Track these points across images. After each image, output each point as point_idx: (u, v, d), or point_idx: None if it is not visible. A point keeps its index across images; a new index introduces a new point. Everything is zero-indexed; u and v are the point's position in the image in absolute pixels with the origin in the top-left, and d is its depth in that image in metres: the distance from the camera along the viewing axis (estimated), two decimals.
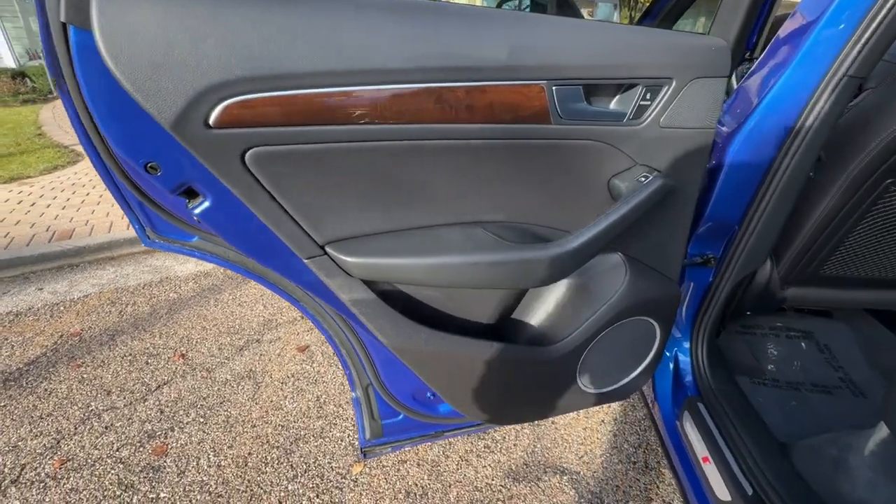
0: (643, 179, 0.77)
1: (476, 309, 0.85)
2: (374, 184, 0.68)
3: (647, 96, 0.73)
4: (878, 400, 1.27)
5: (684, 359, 1.23)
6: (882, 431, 0.95)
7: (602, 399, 1.04)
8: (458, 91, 0.64)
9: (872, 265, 1.16)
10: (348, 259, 0.69)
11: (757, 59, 1.02)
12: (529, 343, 0.90)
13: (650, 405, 1.33)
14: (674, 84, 0.73)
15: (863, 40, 0.79)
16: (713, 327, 1.22)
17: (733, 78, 1.41)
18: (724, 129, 1.05)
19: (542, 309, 0.92)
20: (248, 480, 1.54)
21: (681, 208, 0.89)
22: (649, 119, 0.75)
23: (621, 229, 0.79)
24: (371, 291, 0.73)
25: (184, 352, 2.17)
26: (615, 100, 0.74)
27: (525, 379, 0.91)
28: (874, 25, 0.78)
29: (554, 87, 0.68)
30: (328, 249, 0.70)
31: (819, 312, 1.57)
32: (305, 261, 0.69)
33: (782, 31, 0.93)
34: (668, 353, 1.28)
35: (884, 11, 0.76)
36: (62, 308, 2.52)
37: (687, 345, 1.23)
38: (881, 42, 0.79)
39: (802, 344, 1.47)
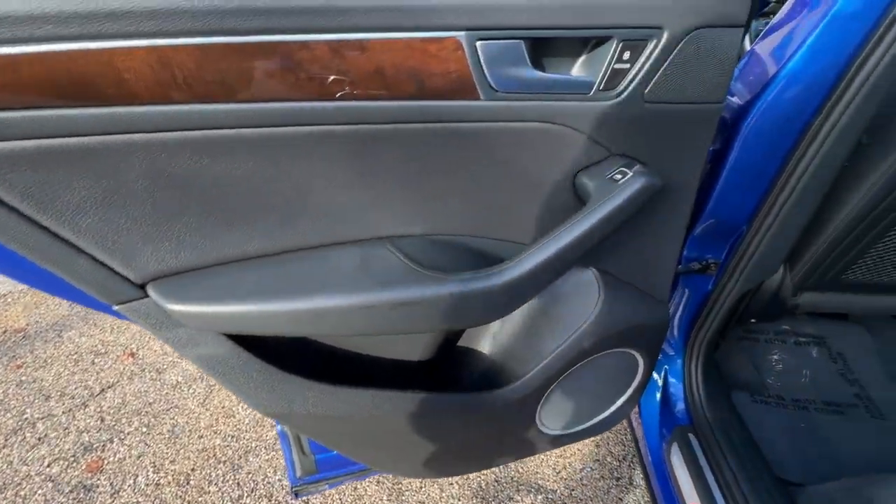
0: (619, 177, 0.56)
1: (394, 348, 0.66)
2: (208, 193, 0.47)
3: (626, 56, 0.50)
4: None
5: (675, 381, 1.04)
6: None
7: (570, 439, 0.86)
8: (317, 48, 0.42)
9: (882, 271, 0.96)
10: (174, 307, 0.48)
11: (780, 6, 0.77)
12: (472, 388, 0.71)
13: (634, 428, 1.15)
14: (665, 37, 0.50)
15: None
16: (711, 343, 1.02)
17: (745, 37, 1.15)
18: (734, 100, 0.82)
19: (488, 343, 0.73)
20: (188, 502, 1.39)
21: (672, 211, 0.67)
22: (628, 90, 0.52)
23: (591, 244, 0.57)
24: (227, 341, 0.53)
25: (134, 350, 2.00)
26: (578, 62, 0.51)
27: (467, 431, 0.72)
28: None
29: (479, 43, 0.45)
30: (150, 290, 0.49)
31: (833, 314, 1.37)
32: (116, 308, 0.49)
33: None
34: (656, 374, 1.09)
35: None
36: (9, 300, 2.34)
37: (679, 364, 1.04)
38: None
39: (813, 352, 1.28)
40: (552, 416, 0.80)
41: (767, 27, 0.82)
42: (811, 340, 1.31)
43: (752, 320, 1.27)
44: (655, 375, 1.09)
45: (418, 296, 0.51)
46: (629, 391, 0.83)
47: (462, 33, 0.44)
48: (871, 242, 0.90)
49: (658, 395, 1.06)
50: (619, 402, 0.84)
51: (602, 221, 0.55)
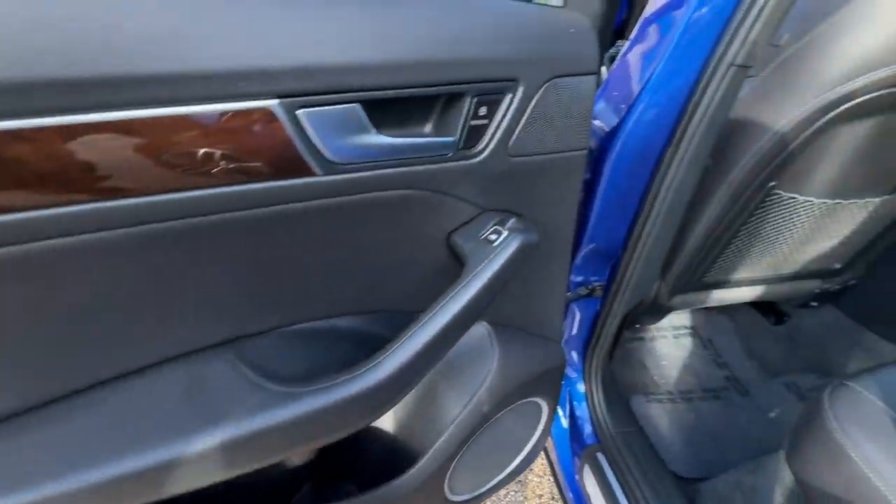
0: (494, 237, 0.50)
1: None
2: None
3: (482, 112, 0.45)
4: (760, 398, 1.23)
5: (579, 403, 1.05)
6: (784, 473, 0.85)
7: (482, 497, 0.80)
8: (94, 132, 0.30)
9: (753, 266, 1.08)
10: None
11: (629, 39, 0.81)
12: (368, 475, 0.61)
13: (548, 454, 1.14)
14: (521, 90, 0.46)
15: (748, 21, 0.60)
16: (607, 358, 1.05)
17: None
18: (598, 125, 0.84)
19: (380, 421, 0.64)
20: None
21: (554, 254, 0.65)
22: (491, 146, 0.47)
23: (476, 311, 0.52)
24: None
25: None
26: (431, 121, 0.45)
27: None
28: (760, 2, 0.59)
29: (300, 112, 0.36)
30: None
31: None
32: None
33: (650, 6, 0.72)
34: (562, 397, 1.10)
35: None
36: None
37: (581, 387, 1.05)
38: (769, 23, 0.60)
39: (689, 342, 1.41)
40: (460, 483, 0.73)
41: (620, 56, 0.85)
42: (687, 331, 1.44)
43: (637, 325, 1.35)
44: (561, 399, 1.10)
45: (270, 423, 0.40)
46: (535, 436, 0.80)
47: (274, 101, 0.35)
48: (722, 249, 0.99)
49: (565, 420, 1.07)
50: (528, 449, 0.81)
51: (483, 289, 0.50)
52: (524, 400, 0.72)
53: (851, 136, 0.78)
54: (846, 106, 0.70)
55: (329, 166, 0.39)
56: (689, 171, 0.73)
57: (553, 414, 0.81)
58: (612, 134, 0.79)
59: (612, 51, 0.91)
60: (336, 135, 0.38)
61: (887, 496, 0.58)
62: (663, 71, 0.72)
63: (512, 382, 0.68)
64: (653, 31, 0.74)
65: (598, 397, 1.02)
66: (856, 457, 0.63)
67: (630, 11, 0.64)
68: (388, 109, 0.41)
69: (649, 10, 0.81)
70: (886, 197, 0.92)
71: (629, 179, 0.80)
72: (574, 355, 1.06)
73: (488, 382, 0.65)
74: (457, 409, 0.65)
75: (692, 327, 1.45)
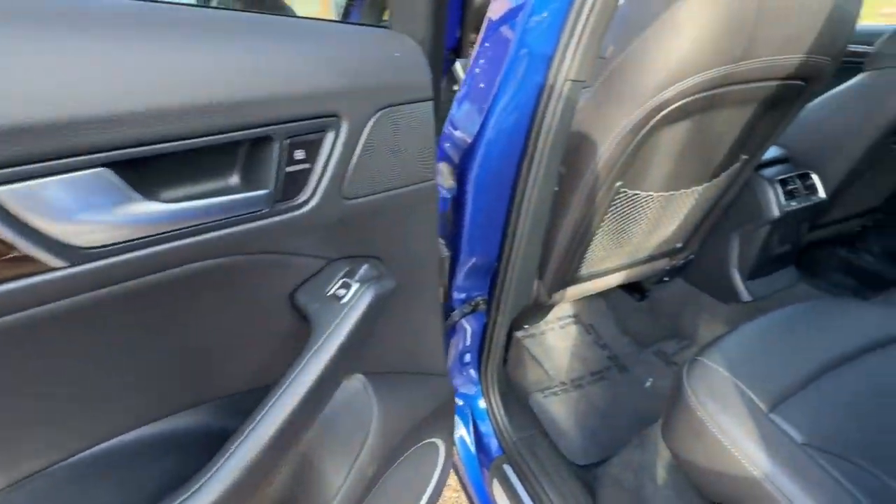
0: (343, 292, 0.44)
1: None
2: None
3: (299, 155, 0.38)
4: (636, 370, 1.36)
5: (482, 417, 1.04)
6: (664, 450, 0.93)
7: None
8: None
9: (615, 255, 1.17)
10: None
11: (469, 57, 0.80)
12: None
13: (459, 474, 1.12)
14: (344, 126, 0.40)
15: (574, 39, 0.62)
16: (501, 369, 1.06)
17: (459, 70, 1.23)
18: (459, 136, 0.82)
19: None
20: None
21: (422, 288, 0.61)
22: (319, 193, 0.41)
23: (334, 377, 0.44)
24: None
25: None
26: (235, 173, 0.37)
27: None
28: (584, 17, 0.61)
29: (5, 190, 0.26)
30: None
31: None
32: None
33: (497, 10, 0.72)
34: (464, 414, 1.07)
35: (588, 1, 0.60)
36: None
37: (482, 402, 1.04)
38: (593, 39, 0.62)
39: (574, 330, 1.51)
40: None
41: (471, 63, 0.84)
42: (571, 320, 1.54)
43: (526, 326, 1.40)
44: (465, 415, 1.08)
45: None
46: (435, 476, 0.76)
47: None
48: (586, 246, 1.05)
49: (470, 438, 1.05)
50: (429, 491, 0.76)
51: (338, 352, 0.43)
52: (418, 444, 0.67)
53: (674, 137, 0.87)
54: (664, 112, 0.77)
55: (74, 254, 0.29)
56: (545, 181, 0.75)
57: (451, 449, 0.77)
58: (472, 147, 0.78)
59: (457, 66, 0.91)
60: (78, 212, 0.28)
61: (743, 463, 0.65)
62: (508, 82, 0.72)
63: (399, 433, 0.62)
64: (498, 37, 0.74)
65: (498, 408, 1.02)
66: (713, 429, 0.69)
67: (463, 29, 0.64)
68: (165, 167, 0.32)
69: (496, 13, 0.80)
70: (707, 184, 1.06)
71: (493, 192, 0.80)
72: (472, 373, 1.05)
73: (371, 440, 0.58)
74: (340, 476, 0.57)
75: (575, 315, 1.55)
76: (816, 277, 1.67)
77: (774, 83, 0.84)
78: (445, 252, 0.88)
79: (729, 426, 0.68)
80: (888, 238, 1.74)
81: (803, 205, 1.23)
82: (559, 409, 1.23)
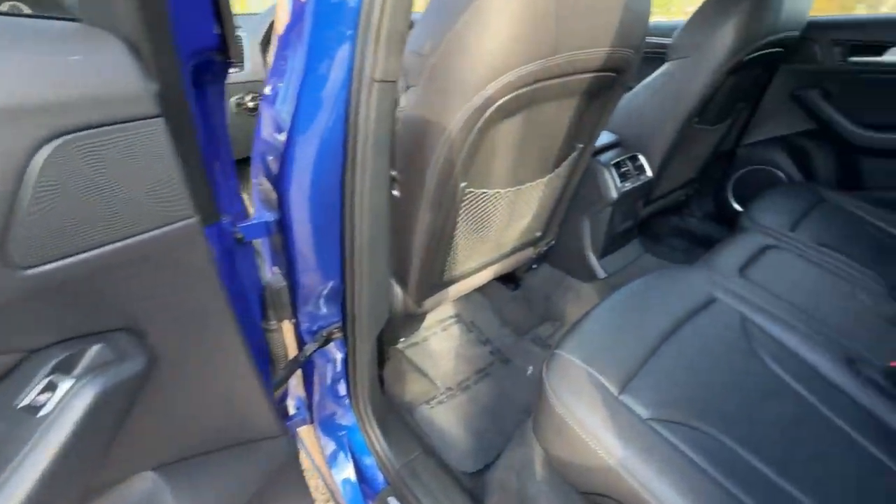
0: (43, 400, 0.31)
1: None
2: None
3: None
4: (517, 360, 1.39)
5: (361, 450, 0.95)
6: (538, 445, 0.94)
7: None
8: None
9: (479, 252, 1.16)
10: None
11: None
12: None
13: None
14: None
15: (371, 35, 0.55)
16: (375, 393, 0.97)
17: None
18: (275, 146, 0.71)
19: None
20: None
21: (219, 344, 0.49)
22: None
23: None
24: None
25: None
26: None
27: None
28: (376, 15, 0.54)
29: None
30: None
31: None
32: None
33: (279, 21, 0.62)
34: (342, 446, 0.97)
35: None
36: None
37: (359, 434, 0.94)
38: (394, 36, 0.56)
39: (456, 330, 1.49)
40: None
41: (272, 61, 0.73)
42: (452, 320, 1.52)
43: (402, 339, 1.34)
44: (343, 448, 0.98)
45: None
46: None
47: None
48: (446, 250, 1.02)
49: (352, 474, 0.95)
50: None
51: (45, 483, 0.30)
52: None
53: (510, 133, 0.87)
54: (493, 109, 0.75)
55: None
56: (375, 189, 0.68)
57: None
58: (284, 162, 0.67)
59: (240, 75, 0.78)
60: None
61: (600, 454, 0.66)
62: (309, 95, 0.63)
63: None
64: (287, 46, 0.64)
65: (377, 438, 0.94)
66: (572, 424, 0.70)
67: (223, 23, 0.53)
68: None
69: (280, 25, 0.70)
70: (550, 175, 1.09)
71: (318, 209, 0.70)
72: (346, 402, 0.95)
73: None
74: None
75: (456, 314, 1.53)
76: (658, 244, 1.89)
77: (589, 75, 0.87)
78: (281, 283, 0.77)
79: (585, 417, 0.69)
80: (706, 203, 2.04)
81: (636, 184, 1.35)
82: (448, 417, 1.20)
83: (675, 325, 0.87)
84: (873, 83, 1.52)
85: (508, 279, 1.59)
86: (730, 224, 1.72)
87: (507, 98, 0.75)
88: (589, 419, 0.69)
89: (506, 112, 0.79)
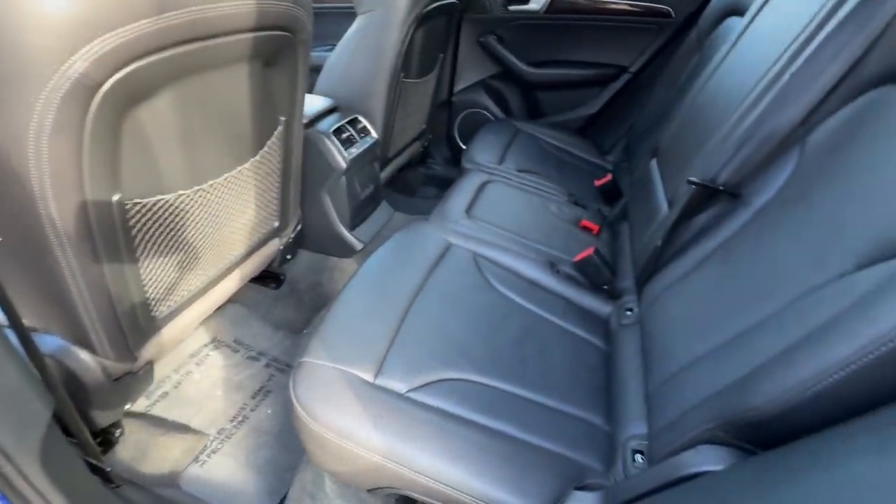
0: None
1: None
2: None
3: None
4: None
5: None
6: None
7: None
8: None
9: (197, 273, 0.95)
10: None
11: None
12: None
13: None
14: None
15: None
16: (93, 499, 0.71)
17: None
18: None
19: None
20: None
21: None
22: None
23: None
24: None
25: None
26: None
27: None
28: None
29: None
30: None
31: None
32: None
33: None
34: None
35: None
36: None
37: None
38: None
39: (217, 357, 1.25)
40: None
41: None
42: (208, 349, 1.26)
43: (129, 405, 1.04)
44: None
45: None
46: None
47: None
48: (136, 285, 0.78)
49: None
50: None
51: None
52: None
53: (158, 121, 0.67)
54: (100, 95, 0.54)
55: None
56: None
57: None
58: None
59: None
60: None
61: (364, 455, 0.61)
62: None
63: None
64: None
65: None
66: (329, 435, 0.63)
67: None
68: None
69: None
70: (256, 159, 0.94)
71: None
72: None
73: None
74: None
75: (212, 339, 1.28)
76: (413, 198, 1.98)
77: (248, 36, 0.73)
78: None
79: (340, 423, 0.63)
80: (443, 149, 2.21)
81: (363, 149, 1.32)
82: (226, 465, 1.00)
83: (419, 284, 0.88)
84: (529, 28, 1.83)
85: (268, 278, 1.41)
86: None
87: (120, 76, 0.55)
88: (344, 423, 0.63)
89: (131, 95, 0.59)
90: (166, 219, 0.77)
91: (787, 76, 0.72)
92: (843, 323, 0.40)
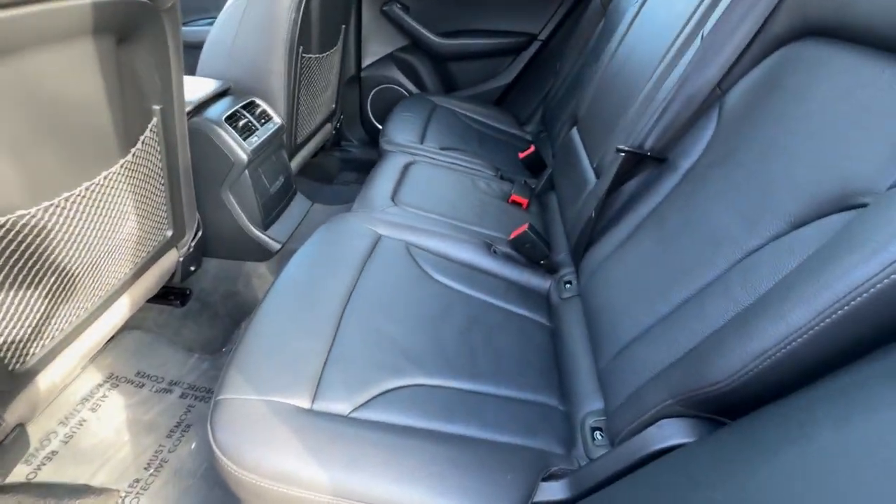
0: None
1: None
2: None
3: None
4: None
5: None
6: None
7: None
8: None
9: (76, 299, 0.77)
10: None
11: None
12: None
13: None
14: None
15: None
16: None
17: None
18: None
19: None
20: None
21: None
22: None
23: None
24: None
25: None
26: None
27: None
28: None
29: None
30: None
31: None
32: None
33: None
34: None
35: None
36: None
37: None
38: None
39: (117, 398, 1.06)
40: None
41: None
42: (106, 391, 1.07)
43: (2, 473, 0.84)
44: None
45: None
46: None
47: None
48: None
49: None
50: None
51: None
52: None
53: None
54: None
55: None
56: None
57: None
58: None
59: None
60: None
61: (310, 496, 0.53)
62: None
63: None
64: None
65: None
66: (265, 483, 0.54)
67: None
68: None
69: None
70: (126, 159, 0.77)
71: None
72: None
73: None
74: None
75: (107, 377, 1.08)
76: (332, 185, 1.83)
77: (86, 3, 0.57)
78: None
79: (276, 465, 0.54)
80: (358, 130, 2.07)
81: (266, 136, 1.16)
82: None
83: (350, 285, 0.79)
84: None
85: (172, 295, 1.22)
86: None
87: None
88: (282, 464, 0.54)
89: None
90: (8, 246, 0.59)
91: (699, 38, 0.73)
92: (796, 289, 0.39)
